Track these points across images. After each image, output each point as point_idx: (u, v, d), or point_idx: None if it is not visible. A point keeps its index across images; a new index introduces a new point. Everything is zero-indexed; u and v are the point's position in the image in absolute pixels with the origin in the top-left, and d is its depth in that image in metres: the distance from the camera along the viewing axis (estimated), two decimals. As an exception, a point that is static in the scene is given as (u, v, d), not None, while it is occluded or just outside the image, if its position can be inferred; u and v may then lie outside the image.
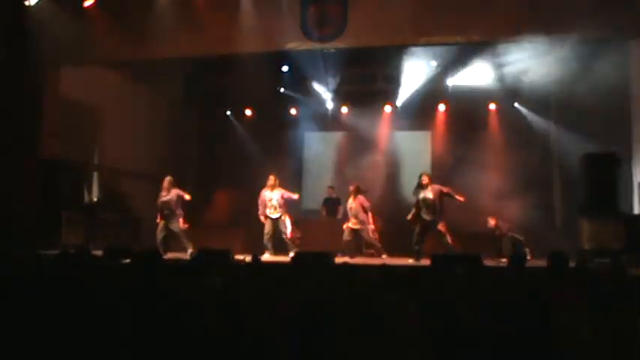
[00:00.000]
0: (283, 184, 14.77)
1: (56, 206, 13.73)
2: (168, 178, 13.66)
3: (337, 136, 19.16)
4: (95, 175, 16.08)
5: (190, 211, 18.10)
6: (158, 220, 13.56)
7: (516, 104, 17.02)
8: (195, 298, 4.35)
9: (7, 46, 13.59)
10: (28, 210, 13.40)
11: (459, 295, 4.62)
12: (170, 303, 4.03)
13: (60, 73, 14.48)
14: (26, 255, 7.63)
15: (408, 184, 16.26)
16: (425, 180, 12.91)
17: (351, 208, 13.73)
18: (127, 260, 7.41)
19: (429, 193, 12.80)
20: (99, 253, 8.68)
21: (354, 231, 13.68)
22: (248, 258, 9.41)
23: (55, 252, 9.11)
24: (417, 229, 12.81)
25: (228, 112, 19.37)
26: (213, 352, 3.65)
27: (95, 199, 15.21)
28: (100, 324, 3.91)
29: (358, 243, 14.62)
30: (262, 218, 13.69)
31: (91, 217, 14.53)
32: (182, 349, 3.81)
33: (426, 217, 12.75)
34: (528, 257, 12.60)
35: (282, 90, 18.30)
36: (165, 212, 13.57)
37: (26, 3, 13.54)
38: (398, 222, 14.20)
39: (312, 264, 7.35)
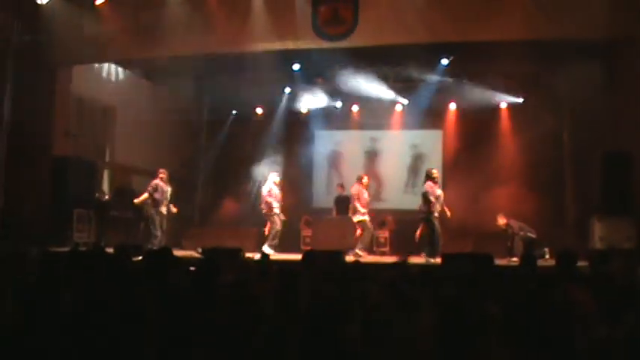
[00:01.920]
0: (294, 183, 14.80)
1: (68, 204, 13.79)
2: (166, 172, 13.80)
3: (348, 135, 19.15)
4: (107, 172, 16.14)
5: (202, 209, 18.23)
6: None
7: (528, 103, 16.95)
8: (207, 296, 4.37)
9: (20, 44, 13.63)
10: (41, 207, 13.47)
11: (470, 294, 4.61)
12: (182, 300, 4.05)
13: (72, 72, 14.53)
14: (38, 252, 7.65)
15: (419, 182, 16.27)
16: (437, 175, 12.99)
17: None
18: (139, 258, 7.43)
19: (439, 190, 12.87)
20: (110, 250, 8.72)
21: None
22: (257, 256, 9.45)
23: (67, 249, 9.18)
24: (433, 227, 12.77)
25: (239, 111, 19.36)
26: (225, 349, 3.67)
27: (107, 197, 15.24)
28: (114, 321, 3.92)
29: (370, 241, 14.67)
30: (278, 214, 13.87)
31: (103, 215, 14.58)
32: (194, 345, 3.83)
33: (436, 214, 12.76)
34: (547, 256, 12.54)
35: (293, 88, 18.27)
36: (164, 205, 13.69)
37: (38, 1, 13.57)
38: (408, 221, 14.20)
39: (323, 262, 7.34)
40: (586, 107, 14.41)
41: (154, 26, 13.36)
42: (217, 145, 19.25)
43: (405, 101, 17.95)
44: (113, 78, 15.60)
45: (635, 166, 12.46)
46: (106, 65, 15.06)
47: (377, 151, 18.89)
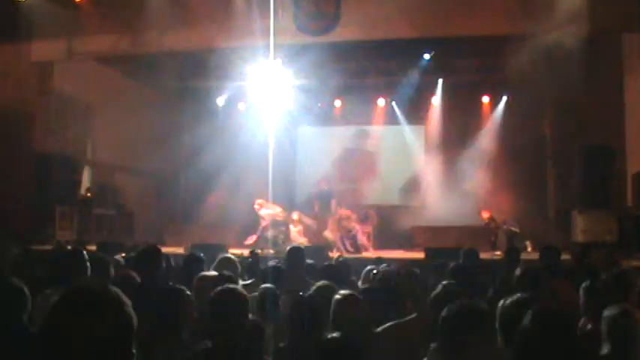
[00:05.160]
0: (277, 179, 14.78)
1: (50, 201, 13.71)
2: None
3: (331, 130, 19.13)
4: (89, 170, 16.05)
5: (185, 206, 18.15)
6: None
7: (510, 98, 16.99)
8: (192, 292, 4.35)
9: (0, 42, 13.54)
10: (23, 205, 13.38)
11: (456, 288, 4.62)
12: (169, 297, 4.03)
13: (54, 69, 14.44)
14: (20, 250, 7.61)
15: (401, 177, 16.34)
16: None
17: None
18: (122, 255, 7.41)
19: None
20: (93, 247, 8.69)
21: None
22: (246, 252, 9.44)
23: (49, 247, 9.14)
24: None
25: (222, 106, 19.28)
26: (209, 347, 3.65)
27: (89, 194, 15.17)
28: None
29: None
30: None
31: (85, 212, 14.52)
32: (178, 343, 3.81)
33: None
34: (529, 249, 12.63)
35: (275, 84, 18.19)
36: None
37: (18, -2, 13.48)
38: (388, 216, 14.25)
39: (308, 258, 7.33)
40: (567, 102, 14.47)
41: (134, 23, 13.30)
42: (199, 142, 19.19)
43: (388, 96, 17.93)
44: (95, 75, 15.48)
45: (616, 159, 12.55)
46: (87, 62, 14.94)
47: (359, 147, 18.90)
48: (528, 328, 2.75)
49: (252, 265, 6.94)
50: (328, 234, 14.02)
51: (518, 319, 2.85)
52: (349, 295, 4.12)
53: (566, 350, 2.71)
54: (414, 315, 4.44)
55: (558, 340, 2.71)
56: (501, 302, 3.57)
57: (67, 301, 2.06)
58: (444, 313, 3.36)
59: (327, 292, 4.31)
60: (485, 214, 13.57)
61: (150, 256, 5.44)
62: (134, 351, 2.03)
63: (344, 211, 13.90)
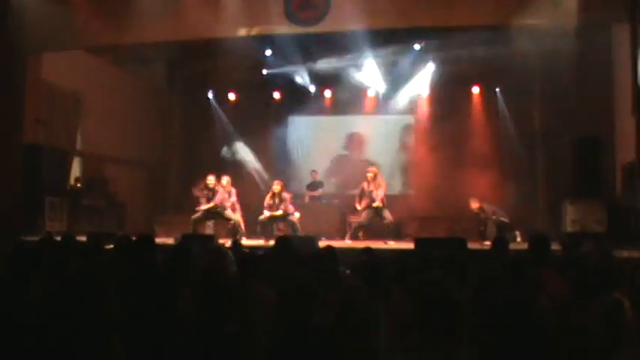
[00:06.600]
0: (267, 168, 14.71)
1: (39, 192, 13.65)
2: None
3: (321, 120, 19.11)
4: (79, 160, 16.00)
5: (175, 196, 18.13)
6: None
7: (500, 88, 17.01)
8: (180, 282, 4.35)
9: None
10: (12, 196, 13.32)
11: (443, 278, 4.62)
12: (158, 286, 4.02)
13: (42, 59, 14.36)
14: (8, 241, 7.58)
15: (390, 167, 16.34)
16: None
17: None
18: (111, 246, 7.39)
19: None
20: (82, 238, 8.66)
21: None
22: (228, 243, 9.42)
23: (38, 238, 9.10)
24: None
25: (212, 97, 19.23)
26: (198, 336, 3.65)
27: (79, 185, 15.13)
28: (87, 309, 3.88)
29: (343, 227, 14.75)
30: None
31: (75, 203, 14.48)
32: (168, 332, 3.81)
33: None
34: (519, 239, 12.67)
35: (265, 74, 18.13)
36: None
37: (7, -13, 13.39)
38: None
39: (297, 247, 7.34)
40: (557, 92, 14.50)
41: (124, 12, 13.23)
42: (190, 132, 19.17)
43: (378, 86, 17.92)
44: (84, 65, 15.41)
45: (605, 150, 12.61)
46: (77, 52, 14.86)
47: (350, 137, 18.90)
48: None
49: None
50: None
51: (502, 312, 2.85)
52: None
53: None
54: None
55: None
56: (487, 294, 3.58)
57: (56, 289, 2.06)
58: (424, 304, 3.35)
59: (314, 283, 4.30)
60: (475, 204, 13.57)
61: (143, 246, 5.43)
62: (118, 341, 2.03)
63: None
